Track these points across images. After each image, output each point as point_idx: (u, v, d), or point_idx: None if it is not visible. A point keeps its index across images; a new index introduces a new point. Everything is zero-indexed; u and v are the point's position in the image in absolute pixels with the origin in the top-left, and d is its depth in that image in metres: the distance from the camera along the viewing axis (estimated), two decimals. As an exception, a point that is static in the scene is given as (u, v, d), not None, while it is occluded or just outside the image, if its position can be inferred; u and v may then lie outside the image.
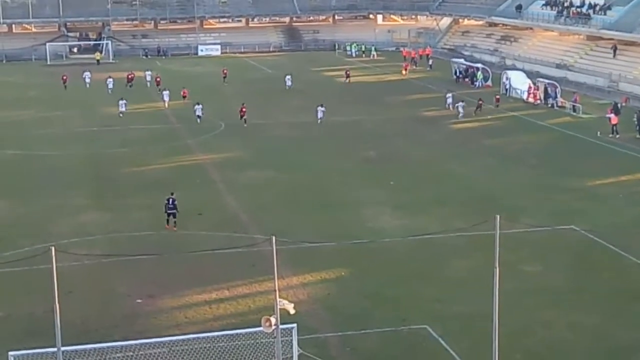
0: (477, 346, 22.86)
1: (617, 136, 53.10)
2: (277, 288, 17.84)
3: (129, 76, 78.74)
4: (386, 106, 66.95)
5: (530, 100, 68.03)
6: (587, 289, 28.68)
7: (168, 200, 35.15)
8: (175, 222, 34.93)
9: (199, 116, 58.87)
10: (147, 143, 53.50)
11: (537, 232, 34.39)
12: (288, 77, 76.30)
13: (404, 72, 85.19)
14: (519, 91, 70.27)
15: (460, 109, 60.24)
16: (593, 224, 35.30)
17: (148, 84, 78.35)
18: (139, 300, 27.73)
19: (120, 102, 62.69)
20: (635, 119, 55.32)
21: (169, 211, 35.04)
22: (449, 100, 63.39)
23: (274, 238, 17.64)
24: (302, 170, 45.69)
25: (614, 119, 54.30)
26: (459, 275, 29.85)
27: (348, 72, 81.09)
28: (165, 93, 67.57)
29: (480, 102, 62.58)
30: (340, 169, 45.95)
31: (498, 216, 16.98)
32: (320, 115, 57.84)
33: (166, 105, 66.49)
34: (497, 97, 65.06)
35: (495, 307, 17.30)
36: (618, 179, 43.53)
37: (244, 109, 58.11)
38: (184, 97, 68.26)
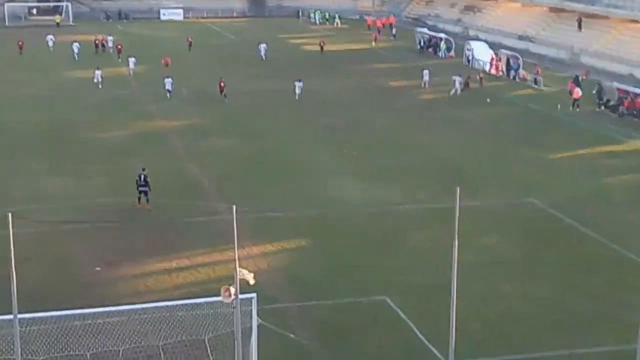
0: (435, 317, 23.06)
1: (578, 110, 53.58)
2: (237, 258, 17.76)
3: (96, 41, 77.30)
4: (356, 75, 66.68)
5: (493, 71, 68.33)
6: (543, 261, 29.06)
7: (139, 176, 32.88)
8: (147, 200, 32.90)
9: (168, 90, 56.04)
10: (110, 109, 52.90)
11: (497, 204, 34.73)
12: (262, 45, 74.31)
13: (373, 43, 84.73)
14: (481, 62, 70.54)
15: (457, 84, 59.39)
16: (551, 197, 35.69)
17: (111, 50, 77.01)
18: (98, 268, 27.57)
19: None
20: (595, 92, 55.86)
21: (140, 189, 32.79)
22: (457, 83, 59.86)
23: (234, 207, 17.56)
24: (266, 139, 45.52)
25: (577, 93, 54.74)
26: (419, 247, 30.07)
27: (322, 43, 79.89)
28: (132, 60, 65.62)
29: (469, 80, 61.46)
30: (305, 138, 45.85)
31: (458, 188, 17.05)
32: (298, 90, 56.15)
33: (130, 72, 64.79)
34: (481, 76, 63.97)
35: (454, 279, 17.45)
36: (577, 152, 44.00)
37: (222, 84, 55.73)
38: (166, 65, 65.66)
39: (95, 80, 59.38)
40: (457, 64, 71.79)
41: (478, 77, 62.21)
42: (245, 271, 19.16)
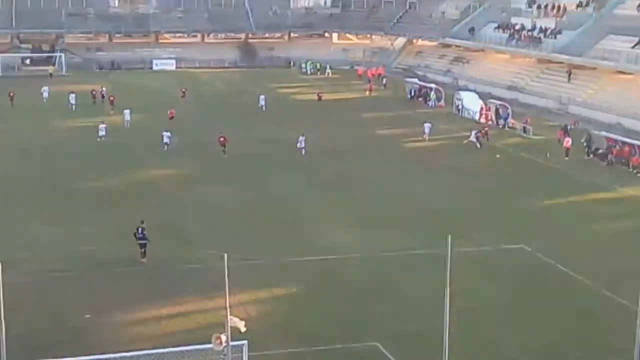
0: (427, 364, 23.03)
1: (570, 159, 53.75)
2: (228, 306, 17.76)
3: (93, 91, 77.33)
4: (350, 124, 66.87)
5: (482, 120, 68.80)
6: (535, 307, 29.05)
7: (137, 229, 32.83)
8: (145, 253, 32.71)
9: (166, 143, 54.72)
10: (103, 158, 52.91)
11: (488, 251, 34.80)
12: (262, 97, 73.75)
13: (367, 92, 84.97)
14: (471, 112, 71.08)
15: (427, 130, 60.06)
16: (542, 243, 35.80)
17: (102, 100, 76.86)
18: (88, 315, 27.43)
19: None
20: (583, 141, 56.29)
21: (139, 241, 32.74)
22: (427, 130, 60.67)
23: (225, 255, 17.59)
24: (257, 187, 45.62)
25: (567, 142, 55.06)
26: (411, 294, 30.04)
27: (320, 94, 79.80)
28: (127, 112, 64.57)
29: (482, 133, 59.59)
30: (299, 187, 45.93)
31: (449, 236, 17.15)
32: (301, 144, 54.23)
33: (126, 124, 63.63)
34: (486, 129, 61.57)
35: (446, 326, 17.47)
36: (567, 200, 44.22)
37: (222, 139, 53.41)
38: (171, 118, 64.32)
39: (100, 134, 57.97)
40: (448, 113, 72.30)
41: (483, 131, 60.87)
42: (236, 319, 19.14)
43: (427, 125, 60.69)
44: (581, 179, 49.19)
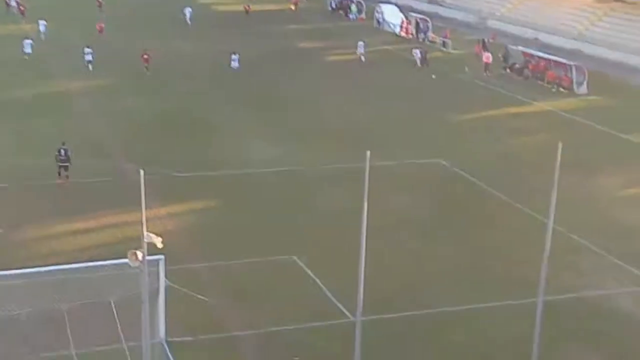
0: (343, 276, 23.20)
1: (489, 74, 54.21)
2: (144, 222, 17.50)
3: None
4: (275, 37, 65.95)
5: (403, 34, 68.75)
6: (450, 220, 29.66)
7: (59, 151, 31.22)
8: (67, 176, 31.31)
9: (89, 61, 51.49)
10: (16, 69, 51.13)
11: (406, 165, 35.17)
12: (187, 9, 70.77)
13: (292, 7, 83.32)
14: (391, 25, 70.87)
15: (361, 49, 57.84)
16: (459, 158, 36.31)
17: (15, 10, 73.62)
18: (1, 230, 26.87)
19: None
20: (501, 56, 56.82)
21: (61, 163, 31.19)
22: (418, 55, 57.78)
23: (142, 171, 17.23)
24: (178, 101, 44.86)
25: (487, 58, 55.31)
26: (329, 207, 30.24)
27: (247, 7, 77.57)
28: (42, 23, 61.55)
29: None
30: (220, 100, 45.34)
31: (368, 152, 17.10)
32: (234, 64, 52.85)
33: (42, 36, 60.42)
34: (426, 50, 59.38)
35: (363, 241, 17.59)
36: (484, 114, 44.82)
37: (146, 56, 50.78)
38: (100, 32, 61.87)
39: (26, 51, 54.31)
40: (368, 26, 71.96)
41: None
42: (153, 235, 18.89)
43: (360, 44, 58.91)
44: (498, 93, 49.83)
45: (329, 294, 23.42)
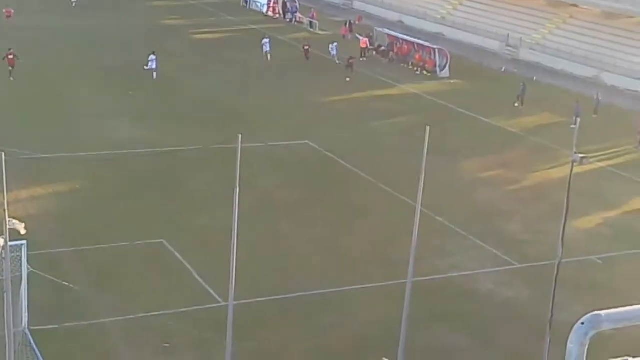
0: (213, 260, 23.14)
1: (365, 59, 54.02)
2: (7, 207, 16.80)
3: None
4: (139, 13, 64.36)
5: (270, 14, 68.61)
6: (319, 203, 29.88)
7: None
8: None
9: None
10: None
11: (275, 147, 35.15)
12: None
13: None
14: (259, 4, 70.56)
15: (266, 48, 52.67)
16: (326, 140, 36.59)
17: None
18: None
19: None
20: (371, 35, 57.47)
21: None
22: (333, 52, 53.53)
23: (3, 153, 16.49)
24: (39, 79, 43.18)
25: (364, 43, 55.28)
26: (197, 189, 29.93)
27: None
28: None
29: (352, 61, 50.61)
30: (82, 79, 43.91)
31: (240, 135, 16.99)
32: (152, 65, 45.59)
33: None
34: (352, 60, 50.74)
35: (235, 221, 17.48)
36: (351, 96, 45.31)
37: (11, 56, 43.30)
38: (8, 17, 56.92)
39: None
40: (235, 3, 71.31)
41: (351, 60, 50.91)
42: (16, 221, 18.24)
43: (266, 42, 53.09)
44: (364, 76, 50.38)
45: (199, 279, 23.21)
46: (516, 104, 44.96)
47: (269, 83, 46.63)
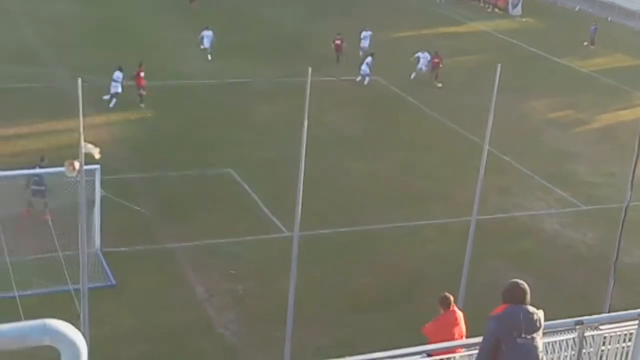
0: (278, 191, 23.53)
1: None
2: (82, 132, 17.24)
3: None
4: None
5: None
6: (385, 138, 29.92)
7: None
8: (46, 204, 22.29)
9: None
10: None
11: (344, 82, 35.14)
12: None
13: None
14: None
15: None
16: (395, 75, 36.43)
17: None
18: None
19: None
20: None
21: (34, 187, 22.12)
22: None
23: (80, 80, 16.90)
24: (112, 8, 43.70)
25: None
26: (264, 121, 30.22)
27: None
28: None
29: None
30: (152, 9, 44.31)
31: (310, 68, 17.09)
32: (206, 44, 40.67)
33: None
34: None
35: (302, 156, 17.69)
36: (420, 33, 44.82)
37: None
38: None
39: None
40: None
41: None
42: (90, 145, 18.58)
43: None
44: (434, 13, 49.80)
45: (265, 209, 23.61)
46: (585, 43, 44.02)
47: (333, 18, 46.23)
